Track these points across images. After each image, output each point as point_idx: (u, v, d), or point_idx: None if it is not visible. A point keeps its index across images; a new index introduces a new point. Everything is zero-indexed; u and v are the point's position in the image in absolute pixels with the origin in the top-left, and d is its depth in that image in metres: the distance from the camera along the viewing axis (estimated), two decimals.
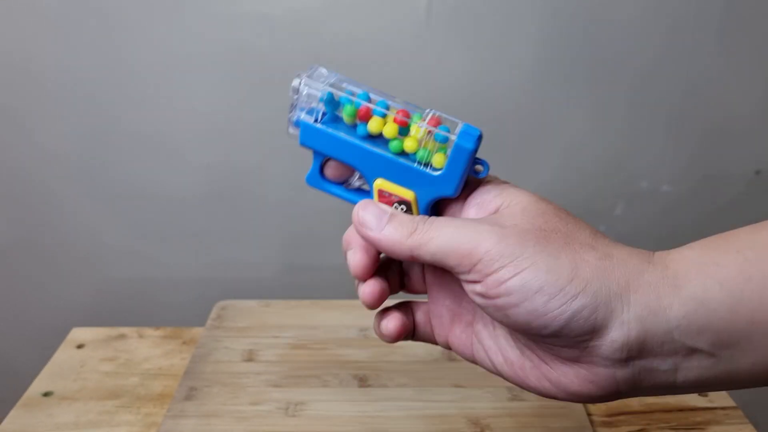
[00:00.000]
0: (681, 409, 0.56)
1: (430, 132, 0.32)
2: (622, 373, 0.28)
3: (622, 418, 0.55)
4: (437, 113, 0.33)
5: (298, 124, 0.34)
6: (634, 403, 0.56)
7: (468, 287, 0.29)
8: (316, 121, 0.34)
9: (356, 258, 0.33)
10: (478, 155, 0.34)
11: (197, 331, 0.67)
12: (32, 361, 0.67)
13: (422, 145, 0.33)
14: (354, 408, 0.54)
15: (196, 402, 0.54)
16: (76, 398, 0.57)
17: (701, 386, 0.29)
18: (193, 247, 0.83)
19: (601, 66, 0.75)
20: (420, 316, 0.36)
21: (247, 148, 0.78)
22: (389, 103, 0.34)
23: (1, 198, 0.80)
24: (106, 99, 0.76)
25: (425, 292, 0.36)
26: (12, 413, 0.56)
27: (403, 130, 0.33)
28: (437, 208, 0.34)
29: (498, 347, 0.33)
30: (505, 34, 0.73)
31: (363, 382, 0.57)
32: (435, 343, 0.36)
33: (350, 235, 0.34)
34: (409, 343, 0.62)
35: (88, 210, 0.81)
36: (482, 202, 0.32)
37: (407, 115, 0.33)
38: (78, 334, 0.67)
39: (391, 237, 0.31)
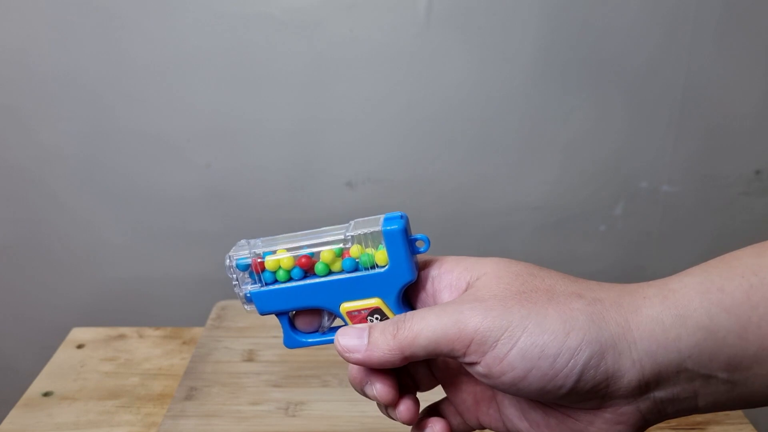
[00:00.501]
0: None
1: (359, 238, 0.33)
2: (644, 405, 0.28)
3: None
4: (355, 223, 0.34)
5: (250, 297, 0.35)
6: None
7: (471, 370, 0.29)
8: (261, 285, 0.35)
9: (379, 389, 0.32)
10: (414, 233, 0.34)
11: (197, 331, 0.67)
12: (32, 361, 0.67)
13: (361, 252, 0.33)
14: (354, 408, 0.54)
15: (196, 402, 0.54)
16: (76, 398, 0.57)
17: (723, 408, 0.28)
18: (193, 247, 0.83)
19: (600, 66, 0.75)
20: (449, 411, 0.35)
21: (247, 147, 0.78)
22: (311, 242, 0.35)
23: (1, 197, 0.80)
24: (106, 98, 0.76)
25: (433, 387, 0.35)
26: (12, 413, 0.56)
27: (339, 250, 0.34)
28: (409, 302, 0.34)
29: (521, 413, 0.32)
30: (505, 34, 0.73)
31: None
32: (471, 430, 0.35)
33: (354, 372, 0.33)
34: None
35: (88, 210, 0.81)
36: (451, 283, 0.32)
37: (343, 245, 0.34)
38: (78, 334, 0.67)
39: (379, 348, 0.30)
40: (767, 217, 0.80)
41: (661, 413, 0.28)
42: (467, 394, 0.34)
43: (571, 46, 0.74)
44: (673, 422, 0.54)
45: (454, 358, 0.29)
